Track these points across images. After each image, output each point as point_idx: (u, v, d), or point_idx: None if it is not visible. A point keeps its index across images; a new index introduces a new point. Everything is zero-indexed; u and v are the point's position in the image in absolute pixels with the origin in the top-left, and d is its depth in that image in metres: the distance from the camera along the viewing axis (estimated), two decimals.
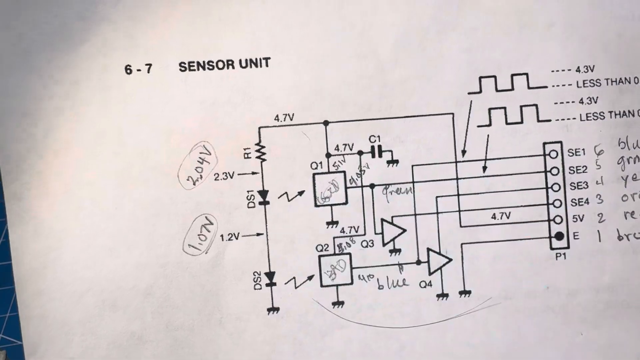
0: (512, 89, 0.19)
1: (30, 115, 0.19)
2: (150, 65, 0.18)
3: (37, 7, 0.18)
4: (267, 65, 0.19)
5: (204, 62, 0.19)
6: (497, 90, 0.19)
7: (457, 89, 0.19)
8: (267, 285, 0.19)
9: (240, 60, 0.19)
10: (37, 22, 0.19)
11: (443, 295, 0.20)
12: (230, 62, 0.19)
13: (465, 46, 0.19)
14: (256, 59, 0.19)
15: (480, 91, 0.19)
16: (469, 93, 0.19)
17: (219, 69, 0.19)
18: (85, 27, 0.19)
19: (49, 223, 0.19)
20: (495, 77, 0.20)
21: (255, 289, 0.19)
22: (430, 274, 0.20)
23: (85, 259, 0.19)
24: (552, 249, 0.19)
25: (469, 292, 0.20)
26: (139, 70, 0.18)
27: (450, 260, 0.20)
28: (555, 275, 0.19)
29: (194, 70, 0.19)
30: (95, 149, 0.19)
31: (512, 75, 0.20)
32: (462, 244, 0.20)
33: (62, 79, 0.19)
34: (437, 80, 0.19)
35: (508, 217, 0.19)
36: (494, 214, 0.19)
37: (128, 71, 0.18)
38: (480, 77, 0.20)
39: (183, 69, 0.19)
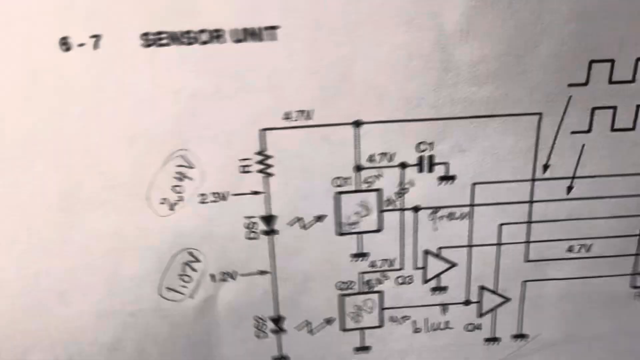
0: (633, 80, 0.15)
1: None
2: (97, 37, 0.14)
3: None
4: (272, 39, 0.14)
5: (178, 33, 0.14)
6: (610, 82, 0.15)
7: (553, 77, 0.15)
8: (273, 331, 0.17)
9: (232, 31, 0.14)
10: None
11: (493, 339, 0.18)
12: (217, 34, 0.14)
13: (574, 10, 0.14)
14: (256, 29, 0.14)
15: (587, 82, 0.15)
16: (570, 85, 0.15)
17: (200, 43, 0.14)
18: None
19: None
20: (612, 61, 0.15)
21: (258, 337, 0.17)
22: (480, 315, 0.18)
23: (28, 307, 0.16)
24: (633, 287, 0.17)
25: (526, 336, 0.18)
26: (81, 45, 0.14)
27: (507, 300, 0.17)
28: (634, 317, 0.18)
29: (164, 45, 0.14)
30: (26, 159, 0.15)
31: (638, 59, 0.15)
32: (524, 281, 0.17)
33: None
34: (524, 63, 0.14)
35: (588, 250, 0.17)
36: (571, 246, 0.17)
37: (65, 46, 0.14)
38: (591, 62, 0.15)
39: (148, 43, 0.14)
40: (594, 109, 0.15)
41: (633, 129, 0.16)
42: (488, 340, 0.18)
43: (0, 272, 0.15)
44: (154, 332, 0.17)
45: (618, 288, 0.17)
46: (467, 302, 0.17)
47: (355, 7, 0.14)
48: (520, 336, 0.18)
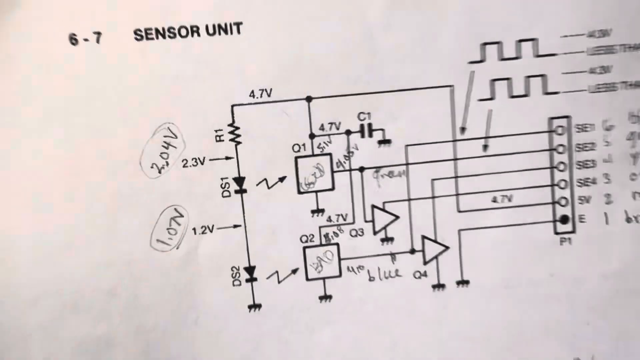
0: (518, 57, 0.18)
1: None
2: (99, 33, 0.17)
3: None
4: (238, 32, 0.17)
5: (163, 29, 0.17)
6: (501, 59, 0.18)
7: (457, 57, 0.18)
8: (247, 280, 0.18)
9: (206, 26, 0.17)
10: None
11: (439, 285, 0.19)
12: (195, 29, 0.17)
13: (466, 6, 0.18)
14: (225, 25, 0.17)
15: (483, 60, 0.17)
16: (470, 62, 0.18)
17: (181, 36, 0.17)
18: None
19: None
20: (500, 43, 0.18)
21: (234, 285, 0.18)
22: (425, 263, 0.19)
23: (39, 259, 0.17)
24: (556, 233, 0.19)
25: (467, 282, 0.19)
26: (86, 40, 0.17)
27: (447, 248, 0.19)
28: (560, 262, 0.19)
29: (152, 39, 0.17)
30: (40, 134, 0.17)
31: (519, 41, 0.18)
32: (459, 230, 0.19)
33: None
34: (434, 47, 0.18)
35: (510, 200, 0.18)
36: (495, 197, 0.18)
37: (73, 41, 0.17)
38: (483, 44, 0.18)
39: (139, 37, 0.17)
40: (492, 81, 0.19)
41: (527, 95, 0.19)
42: (435, 286, 0.19)
43: (15, 229, 0.17)
44: (146, 279, 0.18)
45: (543, 235, 0.18)
46: (412, 251, 0.18)
47: (302, 6, 0.18)
48: (462, 282, 0.19)
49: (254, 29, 0.17)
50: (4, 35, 0.17)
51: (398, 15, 0.18)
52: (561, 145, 0.19)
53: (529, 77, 0.18)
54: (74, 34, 0.16)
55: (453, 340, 0.19)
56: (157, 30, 0.17)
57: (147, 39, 0.17)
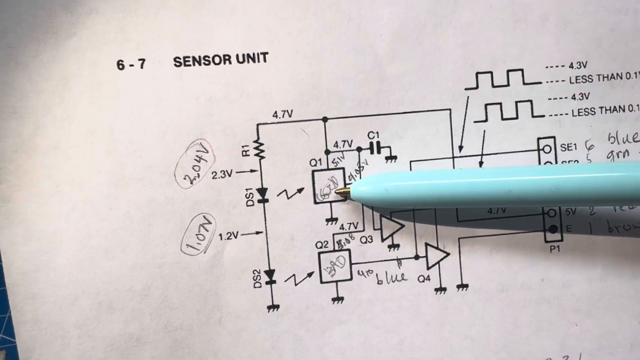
0: (508, 84, 0.20)
1: (17, 113, 0.18)
2: (143, 60, 0.18)
3: None
4: (264, 61, 0.19)
5: (199, 57, 0.19)
6: (493, 86, 0.20)
7: (454, 84, 0.20)
8: (267, 283, 0.20)
9: (237, 55, 0.19)
10: (21, 15, 0.18)
11: (441, 289, 0.20)
12: (226, 57, 0.19)
13: (461, 41, 0.20)
14: (253, 54, 0.19)
15: (477, 87, 0.20)
16: (466, 89, 0.20)
17: (215, 64, 0.19)
18: (73, 20, 0.19)
19: (39, 225, 0.19)
20: (491, 72, 0.20)
21: (255, 287, 0.20)
22: (428, 268, 0.21)
23: (79, 261, 0.19)
24: (546, 241, 0.20)
25: (467, 286, 0.21)
26: (131, 65, 0.18)
27: (448, 254, 0.20)
28: (550, 268, 0.20)
29: (189, 65, 0.19)
30: (87, 147, 0.19)
31: (508, 70, 0.20)
32: (459, 238, 0.20)
33: (49, 74, 0.19)
34: (434, 75, 0.20)
35: (504, 212, 0.20)
36: (490, 209, 0.20)
37: (120, 66, 0.18)
38: (477, 73, 0.20)
39: (178, 64, 0.19)
40: (486, 105, 0.21)
41: (517, 118, 0.21)
42: (437, 289, 0.20)
43: (60, 233, 0.18)
44: (176, 281, 0.19)
45: (534, 243, 0.20)
46: (416, 257, 0.20)
47: (319, 39, 0.20)
48: (462, 286, 0.20)
49: (278, 58, 0.19)
50: (61, 59, 0.19)
51: (403, 47, 0.20)
52: (548, 162, 0.21)
53: (518, 102, 0.21)
54: (121, 60, 0.18)
55: (453, 339, 0.21)
56: (193, 58, 0.19)
57: (185, 65, 0.18)
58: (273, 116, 0.19)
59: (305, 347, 0.20)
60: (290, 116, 0.19)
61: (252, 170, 0.19)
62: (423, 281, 0.20)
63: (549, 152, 0.21)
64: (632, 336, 0.21)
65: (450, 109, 0.20)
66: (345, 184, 0.20)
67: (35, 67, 0.18)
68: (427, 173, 0.19)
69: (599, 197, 0.17)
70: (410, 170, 0.20)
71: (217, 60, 0.19)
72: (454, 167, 0.21)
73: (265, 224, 0.19)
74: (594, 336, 0.21)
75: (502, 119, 0.20)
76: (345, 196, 0.19)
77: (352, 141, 0.19)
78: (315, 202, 0.19)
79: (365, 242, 0.20)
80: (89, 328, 0.19)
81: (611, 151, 0.21)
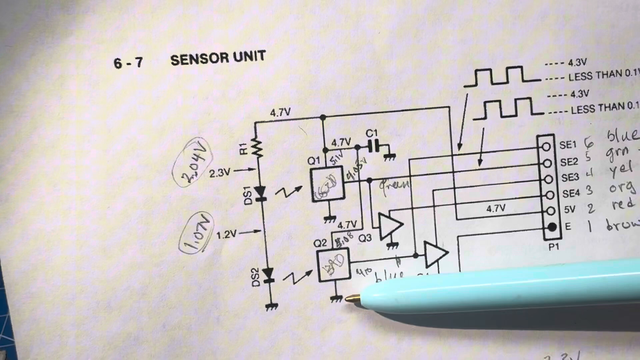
0: (507, 82, 0.20)
1: (14, 112, 0.19)
2: (140, 58, 0.18)
3: None
4: (262, 59, 0.19)
5: (196, 55, 0.19)
6: (492, 83, 0.20)
7: (453, 81, 0.20)
8: (265, 281, 0.20)
9: (234, 54, 0.19)
10: (18, 14, 0.18)
11: None
12: (224, 55, 0.19)
13: (460, 38, 0.20)
14: (250, 52, 0.19)
15: (476, 84, 0.20)
16: (465, 86, 0.20)
17: (212, 62, 0.19)
18: (70, 19, 0.19)
19: (37, 224, 0.19)
20: (490, 70, 0.20)
21: (253, 285, 0.20)
22: (427, 266, 0.21)
23: (77, 260, 0.19)
24: (545, 239, 0.20)
25: None
26: (129, 64, 0.18)
27: (446, 252, 0.21)
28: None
29: (187, 63, 0.19)
30: (84, 146, 0.19)
31: (507, 68, 0.20)
32: (458, 236, 0.20)
33: (47, 73, 0.19)
34: (433, 72, 0.20)
35: (503, 209, 0.20)
36: (489, 207, 0.20)
37: (117, 65, 0.18)
38: (476, 70, 0.20)
39: (175, 62, 0.19)
40: (485, 102, 0.21)
41: (516, 115, 0.21)
42: None
43: (57, 232, 0.19)
44: (174, 280, 0.19)
45: (533, 241, 0.20)
46: (415, 255, 0.20)
47: (317, 37, 0.20)
48: None
49: (275, 56, 0.19)
50: (58, 58, 0.19)
51: (401, 44, 0.20)
52: (547, 160, 0.21)
53: (517, 99, 0.21)
54: (118, 59, 0.18)
55: (453, 337, 0.21)
56: (191, 57, 0.19)
57: (182, 63, 0.19)
58: (271, 114, 0.19)
59: (304, 345, 0.20)
60: (288, 114, 0.19)
61: (249, 169, 0.19)
62: None
63: (548, 149, 0.21)
64: (630, 334, 0.21)
65: (449, 107, 0.20)
66: (343, 182, 0.20)
67: (32, 65, 0.18)
68: (435, 278, 0.19)
69: (611, 298, 0.18)
70: (409, 169, 0.20)
71: (214, 58, 0.19)
72: (452, 166, 0.21)
73: (264, 222, 0.19)
74: (593, 334, 0.21)
75: (501, 116, 0.20)
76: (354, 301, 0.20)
77: (350, 139, 0.19)
78: (314, 201, 0.20)
79: (364, 241, 0.20)
80: (87, 327, 0.19)
81: (610, 149, 0.21)
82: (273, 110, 0.19)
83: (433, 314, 0.20)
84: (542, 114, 0.21)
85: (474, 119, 0.20)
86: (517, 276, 0.19)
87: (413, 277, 0.20)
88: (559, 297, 0.18)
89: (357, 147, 0.20)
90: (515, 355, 0.21)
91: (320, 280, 0.20)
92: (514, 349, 0.21)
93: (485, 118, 0.20)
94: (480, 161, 0.20)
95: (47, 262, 0.19)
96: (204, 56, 0.19)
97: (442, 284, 0.19)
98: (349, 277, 0.20)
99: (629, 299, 0.17)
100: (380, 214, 0.20)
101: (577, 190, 0.20)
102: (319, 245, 0.20)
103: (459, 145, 0.20)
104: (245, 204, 0.19)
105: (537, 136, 0.21)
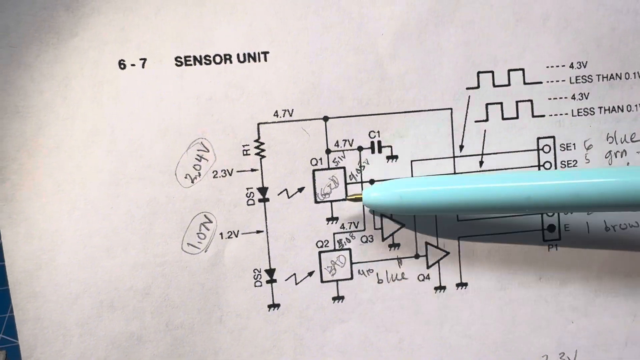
0: (509, 84, 0.20)
1: (19, 113, 0.19)
2: (144, 60, 0.19)
3: None
4: (265, 60, 0.19)
5: (200, 56, 0.19)
6: (494, 86, 0.21)
7: (455, 83, 0.20)
8: (267, 282, 0.20)
9: (238, 55, 0.19)
10: (23, 15, 0.19)
11: (440, 287, 0.21)
12: (227, 57, 0.19)
13: (462, 40, 0.20)
14: (254, 54, 0.19)
15: (478, 86, 0.20)
16: (467, 88, 0.20)
17: (216, 63, 0.19)
18: (75, 20, 0.19)
19: (41, 224, 0.19)
20: (492, 72, 0.21)
21: (255, 286, 0.20)
22: (428, 267, 0.21)
23: (81, 260, 0.19)
24: (544, 241, 0.21)
25: (466, 285, 0.21)
26: (133, 65, 0.19)
27: (447, 253, 0.21)
28: (548, 266, 0.21)
29: (190, 65, 0.19)
30: (88, 146, 0.19)
31: (509, 70, 0.21)
32: (459, 237, 0.21)
33: (51, 74, 0.19)
34: (435, 74, 0.20)
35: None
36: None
37: (122, 66, 0.19)
38: (478, 72, 0.21)
39: (179, 63, 0.19)
40: (487, 105, 0.22)
41: (517, 117, 0.22)
42: (436, 288, 0.21)
43: (61, 232, 0.19)
44: (177, 280, 0.19)
45: (533, 242, 0.20)
46: (416, 256, 0.20)
47: (320, 38, 0.21)
48: (462, 284, 0.21)
49: (278, 58, 0.19)
50: (63, 59, 0.19)
51: (404, 46, 0.20)
52: (547, 162, 0.22)
53: (519, 102, 0.21)
54: (123, 60, 0.19)
55: (453, 337, 0.22)
56: (194, 58, 0.19)
57: (186, 65, 0.19)
58: (274, 115, 0.19)
59: (306, 346, 0.21)
60: (291, 115, 0.19)
61: (252, 170, 0.19)
62: (423, 280, 0.21)
63: (548, 152, 0.21)
64: (627, 333, 0.21)
65: (451, 109, 0.20)
66: (346, 184, 0.21)
67: (37, 67, 0.19)
68: (443, 179, 0.18)
69: (619, 202, 0.17)
70: (411, 170, 0.21)
71: (218, 59, 0.19)
72: (454, 167, 0.21)
73: (266, 223, 0.20)
74: (590, 333, 0.21)
75: (503, 118, 0.20)
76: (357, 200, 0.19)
77: (353, 140, 0.20)
78: (316, 202, 0.20)
79: (366, 242, 0.20)
80: (91, 326, 0.20)
81: (609, 151, 0.21)
82: (276, 112, 0.19)
83: (435, 214, 0.20)
84: (543, 116, 0.21)
85: (476, 121, 0.20)
86: (527, 178, 0.17)
87: (419, 178, 0.19)
88: (569, 199, 0.17)
89: (360, 148, 0.20)
90: (513, 354, 0.21)
91: (322, 281, 0.20)
92: (512, 348, 0.21)
93: (487, 120, 0.21)
94: (481, 163, 0.20)
95: (51, 262, 0.19)
96: (207, 57, 0.19)
97: (450, 184, 0.18)
98: (351, 278, 0.21)
99: (638, 204, 0.17)
100: (382, 215, 0.20)
101: None
102: (321, 246, 0.20)
103: (461, 147, 0.20)
104: (248, 204, 0.20)
105: (538, 138, 0.21)
